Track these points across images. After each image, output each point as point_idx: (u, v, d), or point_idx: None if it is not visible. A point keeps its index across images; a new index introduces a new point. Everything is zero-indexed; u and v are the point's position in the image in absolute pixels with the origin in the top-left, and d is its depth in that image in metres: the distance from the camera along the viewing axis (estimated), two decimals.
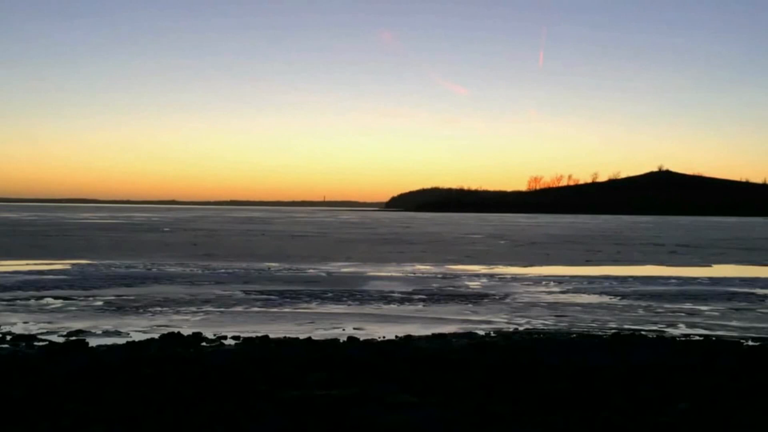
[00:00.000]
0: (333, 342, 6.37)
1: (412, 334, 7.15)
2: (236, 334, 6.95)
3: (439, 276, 14.49)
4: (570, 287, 12.58)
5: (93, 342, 6.27)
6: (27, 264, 14.33)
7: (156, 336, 6.50)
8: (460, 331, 7.65)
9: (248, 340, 6.49)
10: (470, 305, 10.04)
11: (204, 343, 6.29)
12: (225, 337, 6.73)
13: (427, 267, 16.84)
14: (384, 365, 4.88)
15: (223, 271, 14.37)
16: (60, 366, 4.65)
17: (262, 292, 10.84)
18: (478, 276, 14.70)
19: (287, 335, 6.91)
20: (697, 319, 9.03)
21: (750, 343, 7.07)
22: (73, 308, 8.84)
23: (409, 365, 4.93)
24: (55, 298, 9.67)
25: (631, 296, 11.35)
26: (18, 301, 9.28)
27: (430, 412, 3.65)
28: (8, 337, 6.46)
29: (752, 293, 12.07)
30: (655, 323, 8.59)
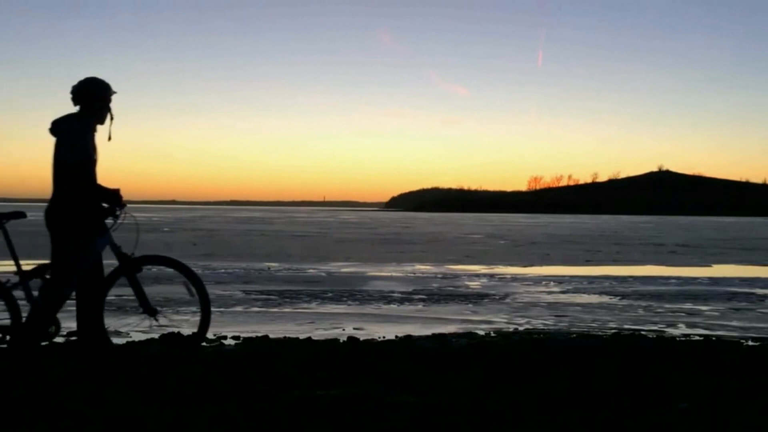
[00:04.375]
0: (333, 342, 6.37)
1: (412, 334, 7.15)
2: (236, 334, 6.95)
3: (439, 276, 14.49)
4: (570, 287, 12.59)
5: None
6: (27, 264, 14.31)
7: (156, 336, 6.49)
8: (460, 331, 7.65)
9: (248, 340, 6.49)
10: (470, 305, 10.05)
11: (204, 343, 6.28)
12: (225, 337, 6.73)
13: (427, 267, 16.85)
14: (384, 365, 4.88)
15: (223, 271, 14.37)
16: (60, 366, 4.65)
17: (262, 292, 10.84)
18: (478, 276, 14.70)
19: (287, 335, 6.91)
20: (697, 319, 9.04)
21: (750, 343, 7.06)
22: (73, 308, 8.82)
23: (409, 365, 4.93)
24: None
25: (631, 296, 11.36)
26: (18, 301, 9.25)
27: (430, 412, 3.65)
28: (8, 337, 6.44)
29: (752, 293, 12.08)
30: (655, 323, 8.60)
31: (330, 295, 10.78)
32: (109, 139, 5.14)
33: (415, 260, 18.74)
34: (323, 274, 14.52)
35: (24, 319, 4.98)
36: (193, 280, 5.27)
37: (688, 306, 10.24)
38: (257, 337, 6.68)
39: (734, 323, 8.70)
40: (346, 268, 15.93)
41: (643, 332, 7.59)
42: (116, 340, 6.40)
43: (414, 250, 23.26)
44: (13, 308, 4.94)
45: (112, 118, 5.12)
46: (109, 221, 5.10)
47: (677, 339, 7.05)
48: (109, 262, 5.18)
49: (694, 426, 3.50)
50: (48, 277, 5.05)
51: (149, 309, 5.22)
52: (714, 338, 7.33)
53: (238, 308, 9.11)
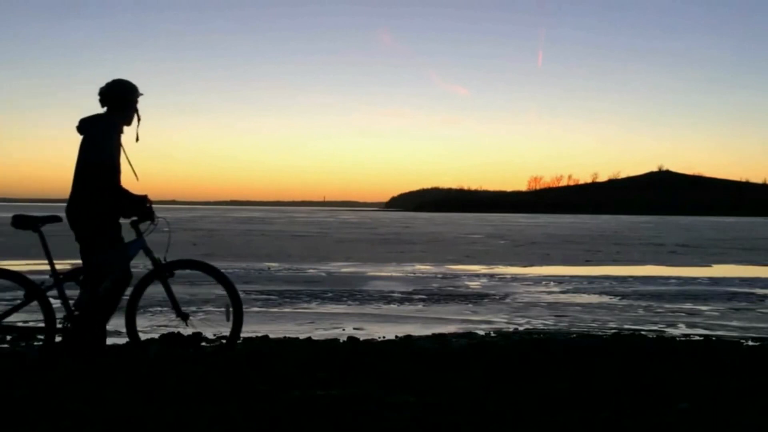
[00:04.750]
0: (333, 342, 6.37)
1: (412, 334, 7.15)
2: None
3: (439, 276, 14.49)
4: (570, 287, 12.59)
5: None
6: (27, 264, 14.33)
7: (156, 336, 6.50)
8: (460, 331, 7.65)
9: (248, 340, 6.49)
10: (470, 305, 10.05)
11: (204, 343, 6.29)
12: (225, 337, 6.72)
13: (427, 267, 16.85)
14: (384, 365, 4.88)
15: (223, 271, 14.37)
16: (60, 366, 4.66)
17: (262, 292, 10.84)
18: (478, 276, 14.71)
19: (287, 335, 6.91)
20: (697, 319, 9.04)
21: (750, 343, 7.06)
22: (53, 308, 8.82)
23: (409, 365, 4.93)
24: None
25: (631, 296, 11.36)
26: (18, 301, 9.27)
27: (430, 412, 3.65)
28: (8, 337, 6.45)
29: (752, 293, 12.08)
30: (655, 323, 8.60)
31: (330, 295, 10.78)
32: (137, 140, 5.19)
33: (415, 260, 18.75)
34: (323, 274, 14.52)
35: (58, 322, 5.06)
36: (225, 283, 5.37)
37: (688, 306, 10.24)
38: (257, 337, 6.68)
39: (734, 323, 8.70)
40: (346, 268, 15.93)
41: (643, 332, 7.59)
42: (117, 340, 6.42)
43: (414, 250, 23.26)
44: (47, 310, 5.01)
45: (139, 120, 5.17)
46: (142, 226, 5.16)
47: (677, 339, 7.05)
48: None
49: (694, 426, 3.50)
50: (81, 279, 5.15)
51: (181, 313, 5.30)
52: (714, 338, 7.33)
53: None
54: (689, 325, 8.46)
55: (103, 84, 5.12)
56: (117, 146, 5.03)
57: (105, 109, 5.07)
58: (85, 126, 5.00)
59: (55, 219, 5.11)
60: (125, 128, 5.13)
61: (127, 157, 5.11)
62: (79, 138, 5.05)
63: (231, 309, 5.29)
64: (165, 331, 6.78)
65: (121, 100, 5.06)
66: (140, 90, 5.15)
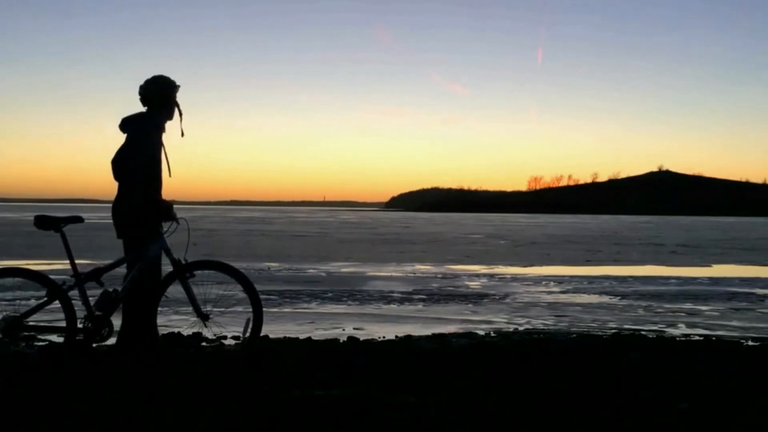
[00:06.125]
0: (333, 342, 6.37)
1: (412, 334, 7.15)
2: (236, 334, 6.94)
3: (439, 276, 14.49)
4: (570, 287, 12.60)
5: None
6: (27, 264, 14.34)
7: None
8: (460, 331, 7.66)
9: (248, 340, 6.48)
10: (470, 305, 10.05)
11: (204, 343, 6.30)
12: (225, 337, 6.73)
13: (427, 267, 16.85)
14: (384, 365, 4.88)
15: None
16: (61, 366, 4.66)
17: (262, 292, 10.79)
18: (478, 276, 14.71)
19: (287, 335, 6.91)
20: (697, 319, 9.04)
21: (750, 343, 7.06)
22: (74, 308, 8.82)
23: (409, 365, 4.93)
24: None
25: (631, 296, 11.36)
26: (18, 301, 9.26)
27: (430, 412, 3.65)
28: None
29: (752, 293, 12.08)
30: (655, 323, 8.60)
31: (330, 295, 10.78)
32: (182, 135, 5.20)
33: (415, 260, 18.74)
34: (323, 274, 14.52)
35: (79, 322, 5.10)
36: (245, 284, 5.41)
37: (688, 306, 10.24)
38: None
39: (734, 323, 8.70)
40: (346, 268, 15.93)
41: (643, 332, 7.59)
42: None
43: (414, 250, 23.26)
44: (68, 310, 5.05)
45: (181, 114, 5.16)
46: (164, 226, 5.20)
47: (677, 339, 7.05)
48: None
49: (694, 426, 3.50)
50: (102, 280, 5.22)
51: (201, 314, 5.35)
52: (714, 338, 7.33)
53: (239, 308, 9.09)
54: (689, 325, 8.46)
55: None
56: (158, 145, 5.05)
57: (146, 108, 5.09)
58: (126, 125, 5.02)
59: (78, 220, 5.13)
60: (169, 123, 5.16)
61: (166, 155, 5.13)
62: (121, 137, 5.07)
63: (250, 324, 5.36)
64: (165, 331, 6.78)
65: (160, 98, 5.05)
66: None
